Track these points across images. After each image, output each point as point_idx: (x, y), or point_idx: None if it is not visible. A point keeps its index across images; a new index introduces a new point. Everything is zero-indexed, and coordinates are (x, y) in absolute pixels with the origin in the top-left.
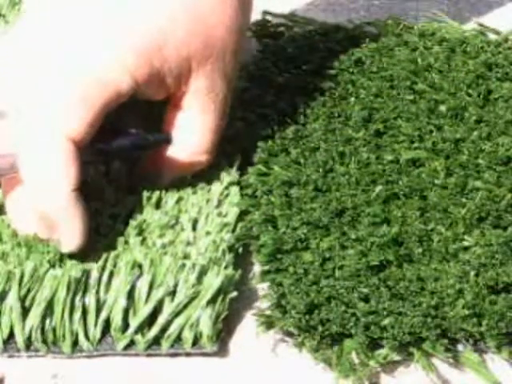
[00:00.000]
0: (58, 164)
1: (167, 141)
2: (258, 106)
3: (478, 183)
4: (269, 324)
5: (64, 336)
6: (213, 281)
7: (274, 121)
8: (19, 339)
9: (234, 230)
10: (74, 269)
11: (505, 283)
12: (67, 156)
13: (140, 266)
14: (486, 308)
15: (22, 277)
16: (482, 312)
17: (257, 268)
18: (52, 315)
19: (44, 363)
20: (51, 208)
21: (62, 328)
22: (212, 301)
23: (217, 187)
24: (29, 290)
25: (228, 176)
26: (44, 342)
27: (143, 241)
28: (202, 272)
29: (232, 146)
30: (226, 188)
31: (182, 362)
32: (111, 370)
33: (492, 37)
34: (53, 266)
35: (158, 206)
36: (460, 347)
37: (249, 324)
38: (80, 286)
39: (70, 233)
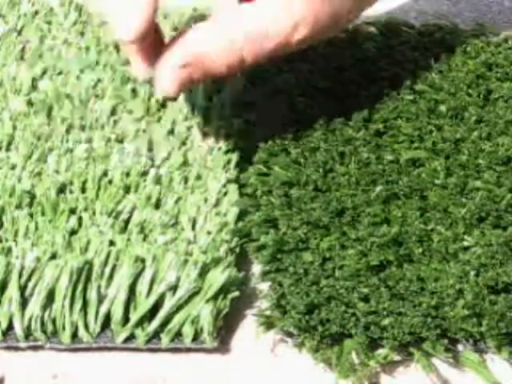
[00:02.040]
0: None
1: None
2: (258, 106)
3: (478, 183)
4: (269, 324)
5: (64, 327)
6: (216, 278)
7: (274, 121)
8: (18, 328)
9: (233, 230)
10: (75, 259)
11: (505, 283)
12: None
13: (143, 261)
14: (486, 308)
15: (22, 267)
16: (482, 312)
17: (256, 268)
18: (52, 305)
19: (44, 363)
20: None
21: (62, 318)
22: (213, 297)
23: (214, 185)
24: (29, 280)
25: (225, 174)
26: (43, 332)
27: (145, 238)
28: (204, 269)
29: (231, 146)
30: (224, 186)
31: (183, 358)
32: (112, 370)
33: (492, 37)
34: (54, 256)
35: (157, 205)
36: (460, 347)
37: (249, 324)
38: (82, 276)
39: (125, 22)
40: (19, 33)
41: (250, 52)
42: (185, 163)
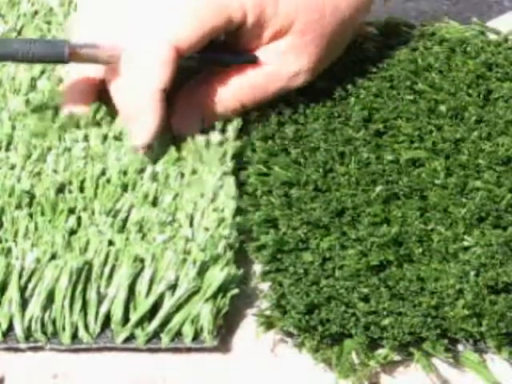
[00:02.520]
0: (156, 63)
1: (254, 60)
2: (258, 106)
3: (478, 183)
4: (269, 324)
5: (64, 327)
6: (215, 276)
7: (274, 121)
8: (18, 329)
9: (231, 224)
10: (75, 260)
11: (505, 283)
12: (166, 58)
13: (142, 261)
14: (486, 308)
15: (22, 268)
16: (482, 312)
17: (256, 267)
18: (52, 306)
19: (44, 363)
20: (135, 101)
21: (62, 319)
22: (213, 296)
23: (210, 179)
24: (29, 281)
25: (221, 167)
26: (44, 333)
27: (143, 237)
28: (203, 267)
29: (227, 138)
30: (220, 179)
31: (183, 358)
32: (112, 370)
33: (492, 37)
34: (54, 257)
35: (154, 203)
36: (460, 347)
37: (249, 323)
38: (81, 277)
39: (143, 128)
40: (19, 33)
41: (251, 98)
42: (179, 158)
